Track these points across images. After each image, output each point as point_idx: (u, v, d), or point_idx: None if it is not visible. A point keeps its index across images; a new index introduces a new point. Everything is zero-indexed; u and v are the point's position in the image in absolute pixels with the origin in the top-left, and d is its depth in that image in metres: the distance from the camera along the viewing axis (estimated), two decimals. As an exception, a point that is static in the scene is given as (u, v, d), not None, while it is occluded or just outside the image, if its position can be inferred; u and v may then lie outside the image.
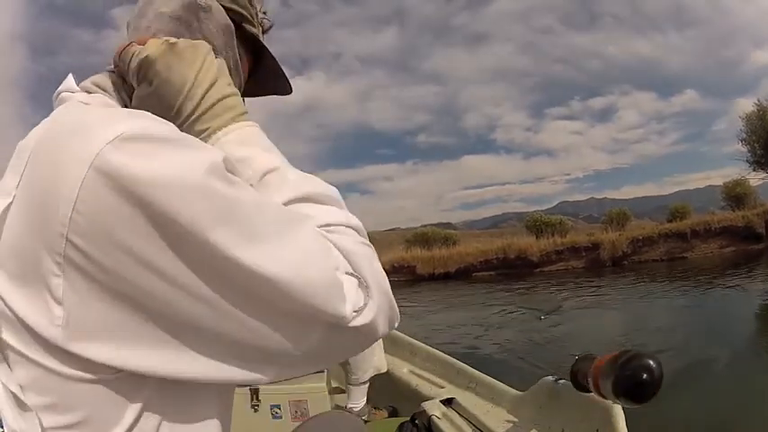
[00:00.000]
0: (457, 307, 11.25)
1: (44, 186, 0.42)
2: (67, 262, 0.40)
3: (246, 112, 0.61)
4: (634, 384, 0.66)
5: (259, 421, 1.95)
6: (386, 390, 2.18)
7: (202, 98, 0.58)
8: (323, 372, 2.01)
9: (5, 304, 0.42)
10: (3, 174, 0.47)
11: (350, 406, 2.08)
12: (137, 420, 0.45)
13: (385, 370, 2.11)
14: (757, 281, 9.97)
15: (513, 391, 1.60)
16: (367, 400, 2.10)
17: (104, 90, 0.61)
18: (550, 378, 1.38)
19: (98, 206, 0.40)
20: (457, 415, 1.66)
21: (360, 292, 0.48)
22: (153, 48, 0.58)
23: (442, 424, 1.62)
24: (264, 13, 0.80)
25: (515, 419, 1.49)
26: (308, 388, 1.95)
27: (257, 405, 1.97)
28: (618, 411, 1.11)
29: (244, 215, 0.43)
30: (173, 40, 0.59)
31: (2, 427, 0.50)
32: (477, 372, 1.85)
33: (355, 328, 0.47)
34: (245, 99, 0.81)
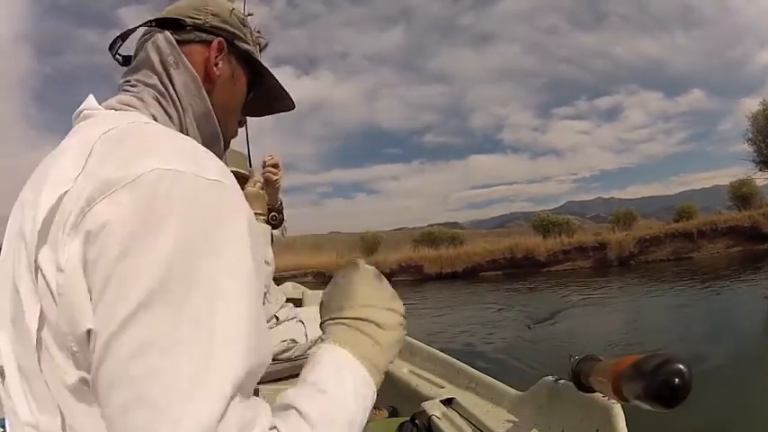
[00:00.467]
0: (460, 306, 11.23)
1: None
2: None
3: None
4: (668, 389, 0.66)
5: None
6: (386, 390, 2.14)
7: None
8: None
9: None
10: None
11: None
12: None
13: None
14: (764, 280, 9.90)
15: (513, 391, 1.59)
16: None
17: (134, 108, 0.65)
18: (550, 378, 1.37)
19: None
20: (457, 415, 1.65)
21: None
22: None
23: (441, 424, 1.61)
24: (258, 32, 0.83)
25: (515, 419, 1.48)
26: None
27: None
28: (618, 411, 1.10)
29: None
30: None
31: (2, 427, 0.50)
32: (477, 372, 1.84)
33: None
34: (249, 118, 0.90)
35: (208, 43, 0.73)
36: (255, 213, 1.70)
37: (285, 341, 1.99)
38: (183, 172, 0.47)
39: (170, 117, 0.68)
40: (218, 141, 0.75)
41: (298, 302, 2.84)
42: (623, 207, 21.27)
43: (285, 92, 0.88)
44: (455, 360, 2.03)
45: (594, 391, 1.14)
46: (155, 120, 0.65)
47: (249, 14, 0.83)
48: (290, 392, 0.52)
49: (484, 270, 17.95)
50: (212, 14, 0.75)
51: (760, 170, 18.63)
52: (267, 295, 1.91)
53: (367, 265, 0.69)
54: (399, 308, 0.65)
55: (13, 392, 0.52)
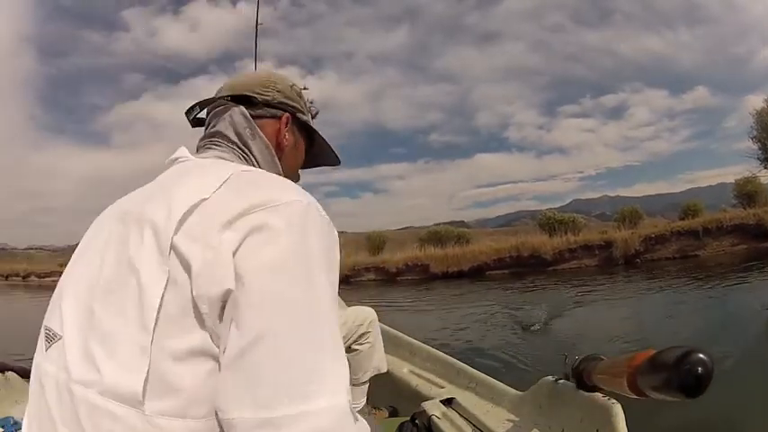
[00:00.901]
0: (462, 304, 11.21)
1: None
2: None
3: None
4: (694, 378, 0.69)
5: None
6: (386, 390, 2.16)
7: None
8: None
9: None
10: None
11: (350, 406, 2.05)
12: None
13: (385, 370, 2.09)
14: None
15: (513, 391, 1.58)
16: (367, 400, 2.08)
17: (229, 160, 0.80)
18: (550, 378, 1.36)
19: None
20: (457, 415, 1.65)
21: None
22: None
23: (442, 424, 1.61)
24: (311, 102, 0.99)
25: (515, 419, 1.47)
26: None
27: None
28: (618, 411, 1.09)
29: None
30: None
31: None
32: (477, 372, 1.84)
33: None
34: (302, 170, 1.02)
35: (277, 117, 0.88)
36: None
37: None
38: (314, 204, 0.65)
39: None
40: None
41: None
42: (629, 205, 21.13)
43: (333, 151, 1.04)
44: (455, 360, 2.03)
45: (597, 390, 1.13)
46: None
47: (304, 88, 0.99)
48: None
49: (490, 269, 17.89)
50: (278, 91, 0.89)
51: (765, 167, 18.49)
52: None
53: None
54: None
55: (71, 353, 0.60)
